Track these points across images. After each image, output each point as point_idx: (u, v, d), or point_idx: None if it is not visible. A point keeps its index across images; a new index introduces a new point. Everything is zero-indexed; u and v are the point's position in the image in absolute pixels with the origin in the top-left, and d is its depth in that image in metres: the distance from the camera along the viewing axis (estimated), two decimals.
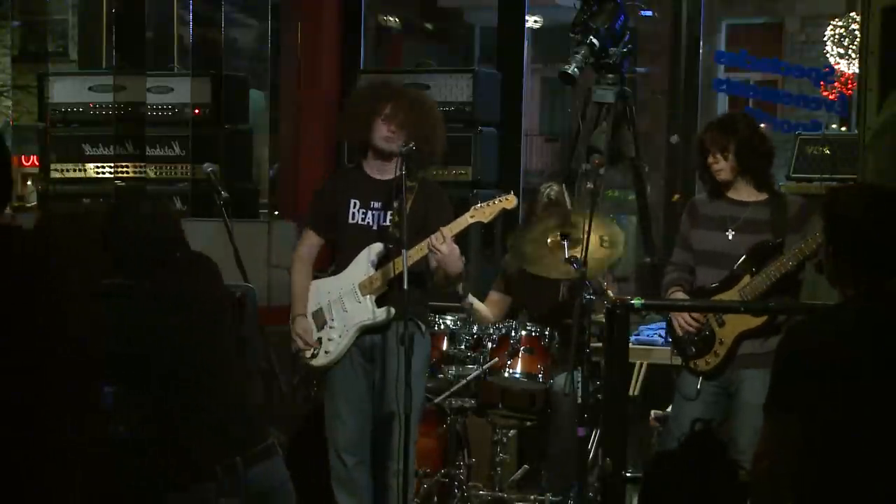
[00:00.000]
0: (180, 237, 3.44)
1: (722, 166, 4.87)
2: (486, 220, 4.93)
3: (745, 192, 4.89)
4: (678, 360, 4.94)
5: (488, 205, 4.90)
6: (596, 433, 5.09)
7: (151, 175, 7.44)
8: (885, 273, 3.04)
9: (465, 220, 4.89)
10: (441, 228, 4.80)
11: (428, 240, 4.80)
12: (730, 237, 4.84)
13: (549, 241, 5.20)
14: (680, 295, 4.94)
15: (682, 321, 4.87)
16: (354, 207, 5.00)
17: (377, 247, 4.93)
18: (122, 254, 3.37)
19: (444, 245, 4.77)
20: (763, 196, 4.88)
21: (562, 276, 5.28)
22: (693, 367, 4.85)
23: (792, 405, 3.00)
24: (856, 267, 3.06)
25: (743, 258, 4.79)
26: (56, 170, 7.52)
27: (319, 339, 5.02)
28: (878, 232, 3.04)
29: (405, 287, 4.63)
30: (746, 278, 4.76)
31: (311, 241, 5.13)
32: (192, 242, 3.55)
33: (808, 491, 2.98)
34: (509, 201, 4.92)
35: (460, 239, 4.94)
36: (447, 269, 4.88)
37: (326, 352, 4.99)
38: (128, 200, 3.59)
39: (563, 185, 5.68)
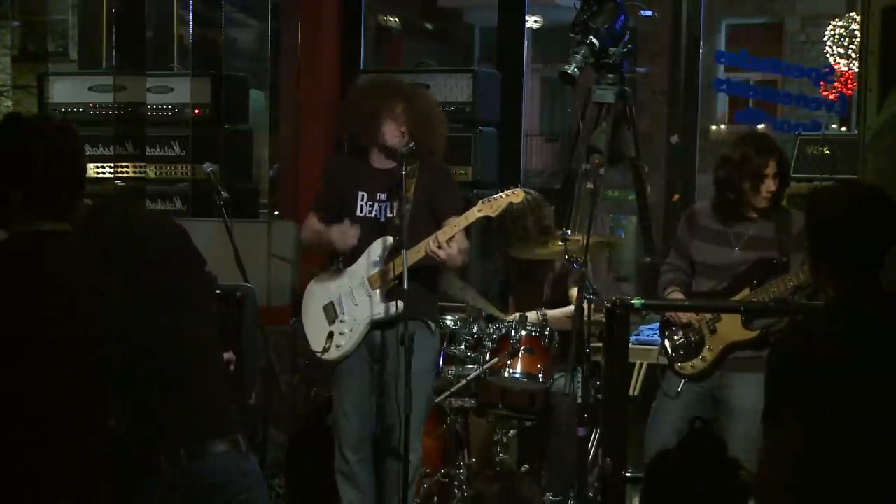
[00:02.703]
0: (154, 236, 3.42)
1: (774, 192, 4.77)
2: (493, 215, 4.96)
3: (756, 209, 4.82)
4: (664, 360, 4.94)
5: (496, 199, 4.92)
6: (596, 433, 5.09)
7: (151, 175, 7.43)
8: (866, 271, 3.03)
9: (474, 213, 4.90)
10: (436, 233, 4.82)
11: (426, 245, 4.81)
12: (736, 254, 4.79)
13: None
14: (677, 296, 4.92)
15: (677, 315, 4.86)
16: (362, 200, 5.01)
17: (386, 240, 4.94)
18: (98, 253, 3.37)
19: (441, 251, 4.80)
20: (769, 211, 4.83)
21: (552, 256, 5.37)
22: (678, 370, 4.85)
23: (790, 411, 2.97)
24: (836, 265, 3.05)
25: (746, 269, 4.75)
26: None
27: (331, 334, 5.02)
28: (858, 229, 3.03)
29: (405, 287, 4.65)
30: (746, 290, 4.74)
31: (313, 226, 5.12)
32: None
33: (813, 496, 2.96)
34: (517, 195, 4.95)
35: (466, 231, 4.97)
36: (453, 265, 4.93)
37: (338, 346, 5.00)
38: (102, 202, 3.56)
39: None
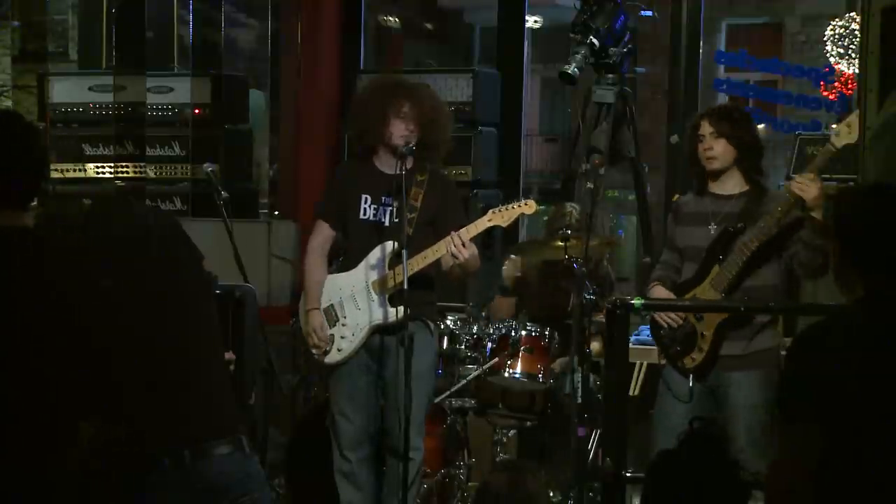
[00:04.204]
0: (152, 233, 3.41)
1: (715, 153, 4.81)
2: (504, 225, 4.92)
3: (730, 185, 4.84)
4: (664, 360, 4.94)
5: (507, 209, 4.89)
6: (596, 433, 5.08)
7: (151, 175, 7.44)
8: (893, 272, 3.01)
9: (483, 222, 4.88)
10: (458, 232, 4.80)
11: (446, 244, 4.79)
12: (711, 231, 4.81)
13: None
14: (659, 290, 4.93)
15: (665, 316, 4.86)
16: (366, 203, 5.00)
17: (390, 245, 4.92)
18: (96, 253, 3.36)
19: (465, 249, 4.78)
20: (746, 188, 4.85)
21: (555, 258, 5.33)
22: (680, 366, 4.84)
23: (809, 413, 2.93)
24: (863, 266, 3.04)
25: (710, 246, 4.77)
26: (56, 170, 7.51)
27: (332, 336, 5.03)
28: (885, 231, 3.01)
29: (405, 287, 4.65)
30: (715, 268, 4.75)
31: (324, 234, 5.13)
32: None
33: (832, 500, 2.92)
34: (529, 206, 4.90)
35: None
36: (467, 269, 4.90)
37: (339, 349, 5.00)
38: (101, 200, 3.54)
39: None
